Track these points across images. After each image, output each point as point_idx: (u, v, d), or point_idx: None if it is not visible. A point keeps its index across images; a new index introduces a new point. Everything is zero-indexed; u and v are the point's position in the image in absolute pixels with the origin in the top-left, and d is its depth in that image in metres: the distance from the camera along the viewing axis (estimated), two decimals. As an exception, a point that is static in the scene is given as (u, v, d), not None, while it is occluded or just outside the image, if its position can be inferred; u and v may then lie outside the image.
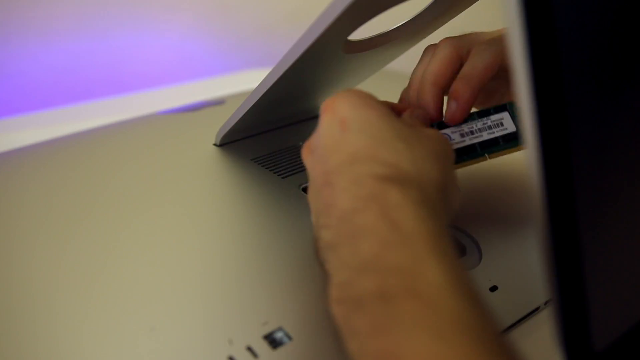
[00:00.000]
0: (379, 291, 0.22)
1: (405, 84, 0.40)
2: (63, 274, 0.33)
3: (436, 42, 0.41)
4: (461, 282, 0.22)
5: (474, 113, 0.36)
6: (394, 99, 0.41)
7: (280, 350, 0.29)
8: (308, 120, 0.51)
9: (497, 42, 0.35)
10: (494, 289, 0.34)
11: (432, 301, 0.22)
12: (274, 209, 0.39)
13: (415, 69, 0.37)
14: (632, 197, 0.26)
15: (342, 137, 0.27)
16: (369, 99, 0.28)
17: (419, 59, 0.39)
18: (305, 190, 0.40)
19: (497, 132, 0.36)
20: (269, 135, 0.49)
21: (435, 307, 0.21)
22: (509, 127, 0.36)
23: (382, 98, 0.43)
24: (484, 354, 0.20)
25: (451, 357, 0.20)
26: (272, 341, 0.29)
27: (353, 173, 0.26)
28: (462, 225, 0.39)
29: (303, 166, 0.35)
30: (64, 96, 0.73)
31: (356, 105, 0.28)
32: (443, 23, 0.41)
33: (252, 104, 0.39)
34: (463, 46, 0.36)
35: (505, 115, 0.36)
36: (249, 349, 0.29)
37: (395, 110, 0.33)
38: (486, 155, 0.37)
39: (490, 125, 0.36)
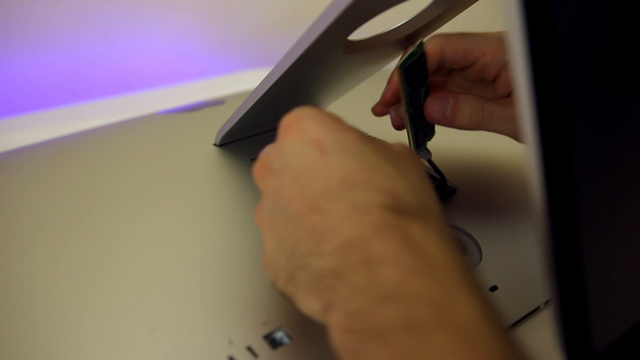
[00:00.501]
0: (404, 321, 0.21)
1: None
2: (63, 274, 0.33)
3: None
4: (494, 315, 0.22)
5: None
6: (394, 99, 0.42)
7: (280, 350, 0.29)
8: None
9: (446, 35, 0.37)
10: (494, 289, 0.34)
11: (466, 333, 0.21)
12: (274, 209, 0.39)
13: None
14: (632, 197, 0.26)
15: (324, 160, 0.25)
16: (337, 119, 0.27)
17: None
18: None
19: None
20: (269, 135, 0.49)
21: (470, 340, 0.21)
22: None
23: (382, 98, 0.44)
24: None
25: None
26: (272, 341, 0.29)
27: (351, 199, 0.24)
28: (462, 225, 0.39)
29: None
30: (64, 96, 0.73)
31: (329, 126, 0.26)
32: (443, 23, 0.41)
33: (252, 104, 0.39)
34: (442, 40, 0.38)
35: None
36: (249, 349, 0.29)
37: None
38: None
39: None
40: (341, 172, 0.25)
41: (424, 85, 0.38)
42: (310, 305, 0.25)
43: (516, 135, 0.38)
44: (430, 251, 0.23)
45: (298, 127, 0.27)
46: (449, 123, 0.38)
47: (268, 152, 0.28)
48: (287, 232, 0.26)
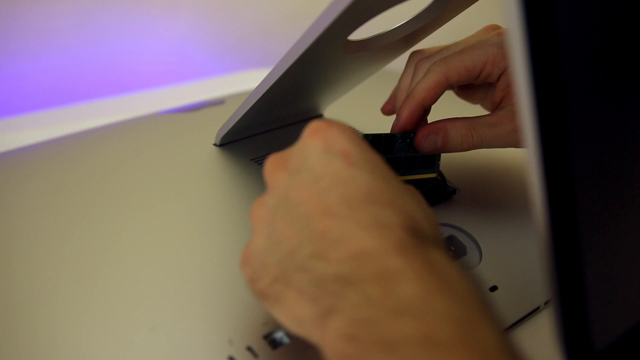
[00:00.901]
0: (423, 336, 0.21)
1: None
2: (63, 274, 0.33)
3: (436, 42, 0.42)
4: (513, 344, 0.22)
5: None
6: (394, 99, 0.42)
7: (280, 350, 0.29)
8: (308, 120, 0.51)
9: (447, 61, 0.37)
10: (494, 289, 0.34)
11: (490, 356, 0.21)
12: (274, 209, 0.39)
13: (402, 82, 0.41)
14: (632, 197, 0.26)
15: (349, 170, 0.25)
16: (358, 134, 0.27)
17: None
18: None
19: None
20: (269, 135, 0.49)
21: (494, 355, 0.20)
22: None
23: (382, 98, 0.44)
24: None
25: None
26: (272, 341, 0.29)
27: (373, 213, 0.24)
28: (462, 225, 0.39)
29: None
30: (64, 96, 0.73)
31: (357, 143, 0.26)
32: (443, 23, 0.41)
33: (252, 104, 0.39)
34: (425, 56, 0.40)
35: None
36: (249, 349, 0.29)
37: None
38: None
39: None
40: (366, 186, 0.25)
41: (400, 139, 0.39)
42: (301, 309, 0.25)
43: (513, 145, 0.38)
44: (451, 275, 0.23)
45: (327, 133, 0.26)
46: (442, 152, 0.39)
47: (287, 150, 0.28)
48: (289, 231, 0.25)
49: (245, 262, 0.27)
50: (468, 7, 0.40)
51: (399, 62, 0.47)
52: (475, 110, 0.45)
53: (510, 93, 0.38)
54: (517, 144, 0.38)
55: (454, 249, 0.38)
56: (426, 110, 0.39)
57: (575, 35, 0.21)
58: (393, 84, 0.43)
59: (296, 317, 0.25)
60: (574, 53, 0.21)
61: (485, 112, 0.43)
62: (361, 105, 0.53)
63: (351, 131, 0.27)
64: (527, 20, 0.20)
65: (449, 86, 0.38)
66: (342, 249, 0.24)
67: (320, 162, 0.26)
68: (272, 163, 0.28)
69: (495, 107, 0.39)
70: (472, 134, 0.37)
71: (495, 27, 0.40)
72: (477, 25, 0.42)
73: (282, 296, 0.25)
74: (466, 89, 0.43)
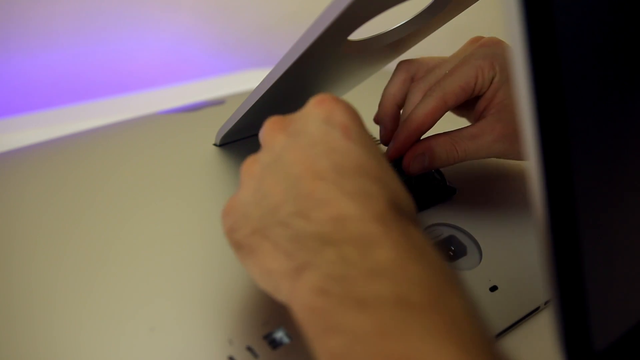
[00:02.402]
0: (395, 297, 0.22)
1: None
2: (63, 274, 0.33)
3: (436, 42, 0.42)
4: (478, 311, 0.23)
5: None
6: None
7: (280, 350, 0.29)
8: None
9: (441, 85, 0.38)
10: (494, 289, 0.34)
11: (459, 321, 0.21)
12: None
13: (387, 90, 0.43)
14: (632, 198, 0.26)
15: (346, 143, 0.26)
16: (359, 115, 0.29)
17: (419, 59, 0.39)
18: None
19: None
20: (269, 135, 0.49)
21: (461, 326, 0.21)
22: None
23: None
24: None
25: None
26: (272, 341, 0.29)
27: (361, 184, 0.25)
28: (462, 225, 0.39)
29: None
30: (64, 96, 0.73)
31: (355, 118, 0.28)
32: (443, 23, 0.41)
33: (252, 104, 0.39)
34: (412, 69, 0.41)
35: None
36: (249, 349, 0.29)
37: None
38: None
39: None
40: (358, 159, 0.26)
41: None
42: (274, 261, 0.25)
43: (496, 155, 0.39)
44: (425, 247, 0.24)
45: (331, 106, 0.28)
46: (430, 170, 0.40)
47: (289, 115, 0.29)
48: (277, 188, 0.26)
49: (227, 212, 0.28)
50: (468, 7, 0.40)
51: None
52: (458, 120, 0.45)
53: (492, 102, 0.38)
54: (500, 153, 0.38)
55: (454, 249, 0.38)
56: (422, 136, 0.40)
57: (576, 36, 0.21)
58: (393, 84, 0.43)
59: (267, 269, 0.25)
60: (574, 53, 0.21)
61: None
62: (361, 105, 0.53)
63: (354, 110, 0.28)
64: (527, 21, 0.20)
65: (447, 109, 0.39)
66: (325, 210, 0.25)
67: (319, 130, 0.27)
68: (272, 123, 0.29)
69: (477, 117, 0.39)
70: (457, 149, 0.38)
71: (476, 40, 0.41)
72: (477, 25, 0.42)
73: (257, 248, 0.26)
74: (462, 106, 0.43)
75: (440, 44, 0.41)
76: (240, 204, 0.28)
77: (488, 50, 0.38)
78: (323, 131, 0.27)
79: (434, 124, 0.39)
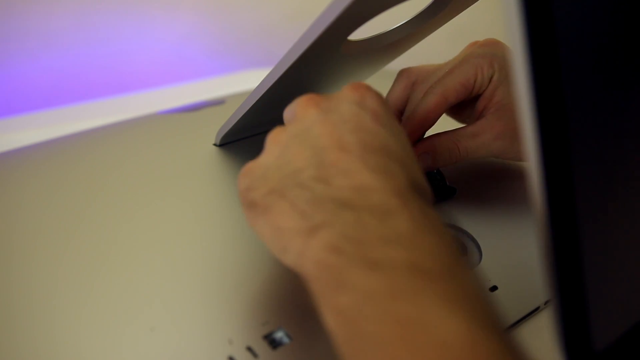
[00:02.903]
0: (409, 264, 0.22)
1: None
2: (63, 274, 0.33)
3: (436, 42, 0.42)
4: (485, 288, 0.24)
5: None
6: (394, 99, 0.42)
7: (280, 350, 0.29)
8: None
9: (442, 82, 0.39)
10: (494, 289, 0.34)
11: (468, 293, 0.22)
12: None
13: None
14: (632, 198, 0.26)
15: (375, 126, 0.27)
16: (390, 107, 0.31)
17: (418, 59, 0.39)
18: None
19: None
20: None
21: (471, 298, 0.22)
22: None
23: (382, 98, 0.44)
24: (515, 353, 0.21)
25: (485, 341, 0.20)
26: (272, 341, 0.29)
27: (384, 162, 0.26)
28: (462, 225, 0.39)
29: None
30: (64, 96, 0.73)
31: (386, 107, 0.29)
32: (443, 23, 0.41)
33: (252, 104, 0.39)
34: (412, 76, 0.42)
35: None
36: (249, 349, 0.29)
37: None
38: None
39: None
40: (385, 141, 0.27)
41: None
42: (288, 220, 0.25)
43: (496, 154, 0.40)
44: (440, 225, 0.24)
45: (366, 93, 0.29)
46: (433, 169, 0.40)
47: (325, 94, 0.30)
48: (301, 155, 0.27)
49: (245, 173, 0.29)
50: (467, 7, 0.40)
51: (399, 62, 0.47)
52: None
53: (492, 101, 0.39)
54: (499, 152, 0.39)
55: (454, 249, 0.38)
56: (425, 133, 0.40)
57: (575, 35, 0.21)
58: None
59: (280, 227, 0.26)
60: (573, 52, 0.21)
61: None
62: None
63: (385, 100, 0.30)
64: (527, 21, 0.20)
65: (448, 105, 0.39)
66: (347, 179, 0.25)
67: (350, 111, 0.28)
68: (308, 99, 0.30)
69: (477, 116, 0.40)
70: (458, 147, 0.39)
71: (475, 43, 0.42)
72: (477, 25, 0.42)
73: (272, 206, 0.26)
74: (461, 110, 0.44)
75: (440, 44, 0.41)
76: (261, 166, 0.28)
77: (487, 49, 0.39)
78: (354, 112, 0.28)
79: (436, 120, 0.39)
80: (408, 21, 0.39)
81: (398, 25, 0.39)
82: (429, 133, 0.40)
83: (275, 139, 0.29)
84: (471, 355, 0.20)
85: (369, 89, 0.29)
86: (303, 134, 0.28)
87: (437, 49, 0.54)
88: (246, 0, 0.83)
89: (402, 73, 0.42)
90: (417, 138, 0.39)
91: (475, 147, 0.38)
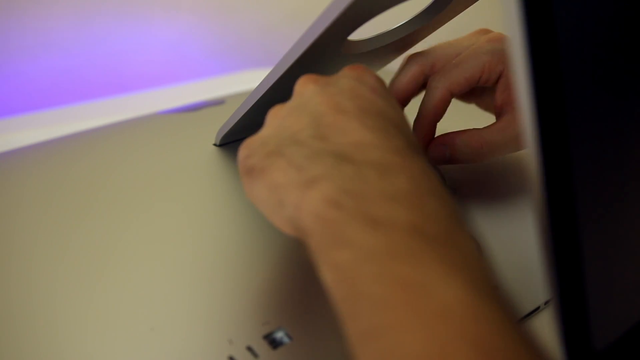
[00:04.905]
0: (409, 224, 0.21)
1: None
2: (63, 274, 0.33)
3: (436, 42, 0.42)
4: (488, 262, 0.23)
5: None
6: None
7: (280, 350, 0.29)
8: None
9: (446, 75, 0.38)
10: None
11: (468, 259, 0.21)
12: (274, 209, 0.39)
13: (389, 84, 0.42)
14: (633, 197, 0.26)
15: (372, 96, 0.28)
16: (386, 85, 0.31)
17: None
18: None
19: None
20: (269, 135, 0.49)
21: (471, 264, 0.21)
22: None
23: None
24: (515, 331, 0.20)
25: (486, 307, 0.20)
26: (272, 341, 0.29)
27: (382, 123, 0.26)
28: (462, 225, 0.39)
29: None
30: (64, 96, 0.73)
31: (382, 84, 0.30)
32: (443, 23, 0.41)
33: (252, 104, 0.39)
34: (426, 63, 0.40)
35: None
36: (249, 349, 0.29)
37: None
38: None
39: None
40: (382, 108, 0.27)
41: None
42: (284, 176, 0.25)
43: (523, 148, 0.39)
44: (441, 187, 0.24)
45: (364, 72, 0.30)
46: (451, 163, 0.40)
47: (324, 75, 0.30)
48: (299, 121, 0.27)
49: (245, 145, 0.29)
50: (468, 7, 0.40)
51: (399, 62, 0.47)
52: (473, 111, 0.45)
53: (509, 96, 0.39)
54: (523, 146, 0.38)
55: (454, 249, 0.38)
56: (435, 127, 0.40)
57: (575, 35, 0.21)
58: (393, 84, 0.43)
59: (275, 184, 0.25)
60: (574, 51, 0.21)
61: (481, 111, 0.45)
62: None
63: (383, 80, 0.31)
64: (527, 21, 0.20)
65: (452, 97, 0.39)
66: (345, 136, 0.25)
67: (349, 84, 0.29)
68: (307, 77, 0.30)
69: (498, 112, 0.40)
70: (482, 144, 0.38)
71: (484, 31, 0.41)
72: (477, 25, 0.42)
73: (268, 166, 0.26)
74: (469, 93, 0.44)
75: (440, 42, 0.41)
76: (260, 137, 0.28)
77: (496, 45, 0.39)
78: (352, 85, 0.28)
79: (444, 113, 0.39)
80: (408, 21, 0.39)
81: (398, 25, 0.39)
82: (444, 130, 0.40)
83: (274, 114, 0.30)
84: (473, 321, 0.19)
85: (366, 68, 0.30)
86: (302, 105, 0.28)
87: (437, 49, 0.53)
88: (246, 0, 0.83)
89: (412, 60, 0.41)
90: (428, 133, 0.39)
91: (503, 141, 0.38)
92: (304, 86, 0.29)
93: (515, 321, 0.20)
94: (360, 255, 0.21)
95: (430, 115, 0.39)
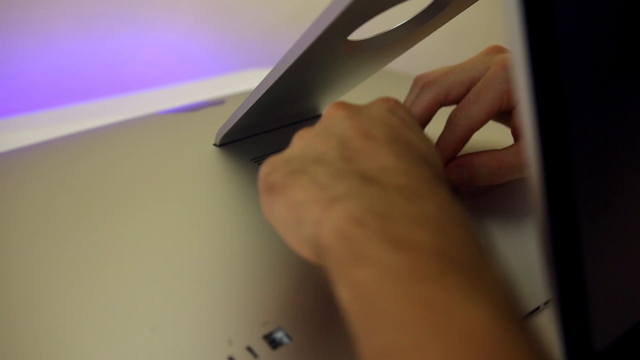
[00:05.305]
0: (433, 248, 0.21)
1: (406, 84, 0.40)
2: (63, 274, 0.33)
3: (436, 41, 0.42)
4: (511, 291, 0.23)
5: None
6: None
7: (280, 350, 0.29)
8: (308, 120, 0.51)
9: (467, 112, 0.38)
10: (494, 289, 0.34)
11: (493, 287, 0.21)
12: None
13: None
14: (633, 197, 0.26)
15: (402, 128, 0.28)
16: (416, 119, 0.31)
17: (419, 59, 0.39)
18: None
19: None
20: (269, 135, 0.49)
21: (497, 291, 0.21)
22: None
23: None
24: (538, 347, 0.20)
25: (509, 333, 0.19)
26: (272, 341, 0.29)
27: (409, 152, 0.26)
28: (462, 225, 0.39)
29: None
30: (64, 96, 0.73)
31: (414, 120, 0.30)
32: (443, 23, 0.41)
33: (252, 104, 0.39)
34: (441, 92, 0.40)
35: None
36: (249, 349, 0.29)
37: None
38: None
39: None
40: (411, 139, 0.28)
41: None
42: (305, 193, 0.24)
43: None
44: (466, 219, 0.24)
45: (396, 104, 0.30)
46: (469, 184, 0.39)
47: (357, 108, 0.30)
48: (325, 143, 0.27)
49: (269, 162, 0.28)
50: (468, 7, 0.40)
51: (399, 62, 0.47)
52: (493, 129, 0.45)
53: None
54: None
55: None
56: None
57: (575, 35, 0.21)
58: (393, 83, 0.43)
59: (296, 201, 0.25)
60: (574, 51, 0.21)
61: (495, 124, 0.44)
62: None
63: (413, 115, 0.31)
64: (527, 21, 0.20)
65: (473, 133, 0.39)
66: (372, 160, 0.25)
67: (379, 113, 0.29)
68: (338, 103, 0.30)
69: (516, 134, 0.39)
70: (500, 166, 0.38)
71: (496, 50, 0.41)
72: (477, 25, 0.42)
73: (290, 184, 0.25)
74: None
75: (440, 44, 0.41)
76: (284, 156, 0.28)
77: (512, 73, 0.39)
78: (383, 114, 0.29)
79: (463, 147, 0.39)
80: (408, 21, 0.39)
81: (398, 25, 0.39)
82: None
83: (301, 135, 0.29)
84: (496, 345, 0.19)
85: (398, 101, 0.31)
86: (330, 128, 0.28)
87: (437, 49, 0.54)
88: (246, 0, 0.83)
89: (426, 90, 0.40)
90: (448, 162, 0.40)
91: (522, 164, 0.37)
92: (335, 111, 0.29)
93: (539, 346, 0.20)
94: (381, 273, 0.20)
95: (452, 152, 0.39)
